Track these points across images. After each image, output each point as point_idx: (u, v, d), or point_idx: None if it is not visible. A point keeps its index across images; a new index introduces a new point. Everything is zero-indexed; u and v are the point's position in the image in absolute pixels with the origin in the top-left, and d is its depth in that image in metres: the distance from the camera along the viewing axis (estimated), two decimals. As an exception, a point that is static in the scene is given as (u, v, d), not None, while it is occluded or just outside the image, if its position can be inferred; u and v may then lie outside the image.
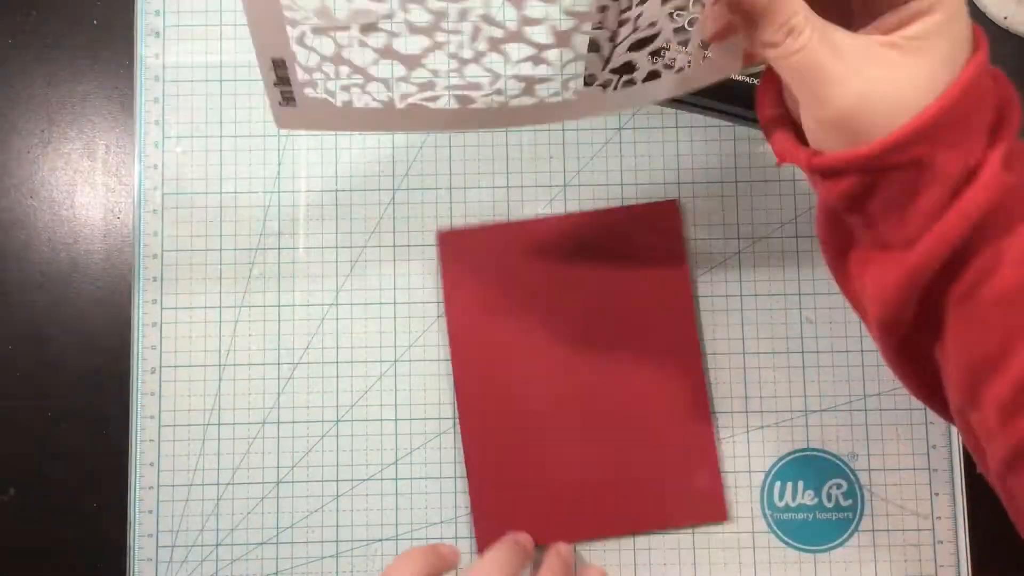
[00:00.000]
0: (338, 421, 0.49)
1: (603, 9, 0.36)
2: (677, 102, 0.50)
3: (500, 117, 0.39)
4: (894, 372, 0.37)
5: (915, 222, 0.33)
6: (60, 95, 0.51)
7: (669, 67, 0.39)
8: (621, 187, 0.50)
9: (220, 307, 0.50)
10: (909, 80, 0.32)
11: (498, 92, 0.38)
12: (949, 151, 0.32)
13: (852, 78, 0.32)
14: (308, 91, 0.36)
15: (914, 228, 0.33)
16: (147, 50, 0.51)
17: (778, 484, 0.49)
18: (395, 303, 0.50)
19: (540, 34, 0.36)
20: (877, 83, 0.32)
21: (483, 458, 0.48)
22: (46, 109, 0.51)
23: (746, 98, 0.45)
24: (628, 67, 0.39)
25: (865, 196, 0.33)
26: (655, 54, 0.38)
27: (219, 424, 0.49)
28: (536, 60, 0.37)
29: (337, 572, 0.48)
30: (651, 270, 0.49)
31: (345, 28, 0.35)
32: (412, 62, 0.37)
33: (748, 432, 0.49)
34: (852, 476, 0.49)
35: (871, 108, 0.32)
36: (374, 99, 0.37)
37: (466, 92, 0.38)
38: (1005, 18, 0.51)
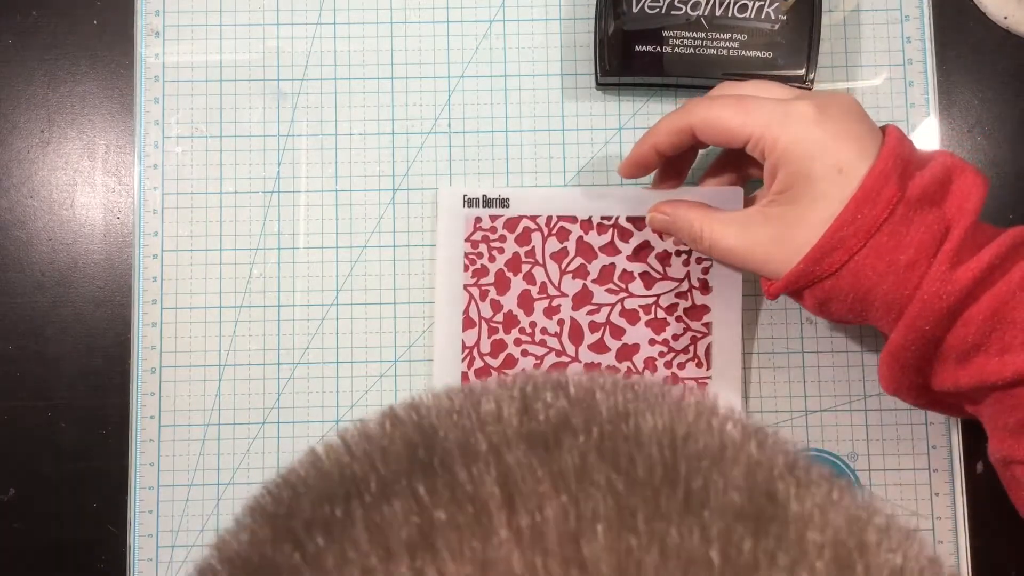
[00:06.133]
0: (338, 421, 0.49)
1: None
2: (676, 89, 0.50)
3: None
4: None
5: (880, 315, 0.40)
6: (60, 95, 0.51)
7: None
8: (621, 186, 0.50)
9: (220, 307, 0.50)
10: (794, 223, 0.40)
11: None
12: (872, 256, 0.38)
13: (756, 246, 0.41)
14: None
15: (884, 321, 0.40)
16: (147, 50, 0.51)
17: (778, 484, 0.49)
18: (395, 303, 0.50)
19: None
20: (768, 240, 0.41)
21: None
22: (46, 109, 0.51)
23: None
24: None
25: (824, 304, 0.41)
26: None
27: (219, 424, 0.49)
28: None
29: (337, 572, 0.48)
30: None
31: None
32: None
33: (748, 432, 0.49)
34: (852, 476, 0.49)
35: (780, 254, 0.40)
36: None
37: None
38: (1005, 18, 0.51)
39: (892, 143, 0.40)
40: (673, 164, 0.47)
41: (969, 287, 0.37)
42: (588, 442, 0.17)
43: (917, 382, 0.41)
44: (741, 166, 0.47)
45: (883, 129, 0.41)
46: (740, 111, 0.41)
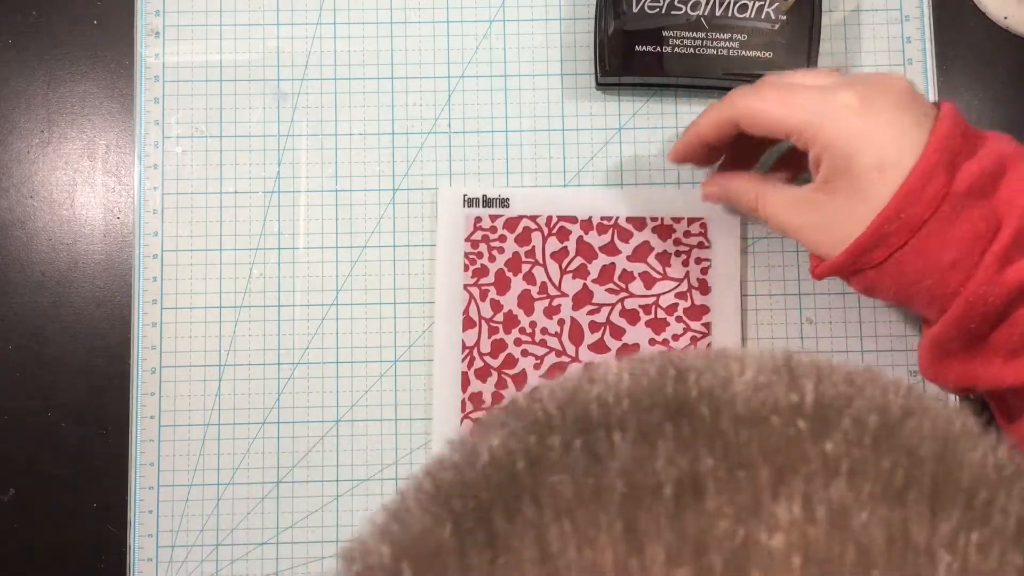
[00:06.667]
0: (338, 421, 0.49)
1: None
2: (689, 86, 0.50)
3: None
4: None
5: (923, 306, 0.40)
6: (60, 95, 0.51)
7: None
8: (621, 187, 0.50)
9: (220, 307, 0.50)
10: (836, 215, 0.40)
11: None
12: (913, 254, 0.38)
13: (805, 227, 0.41)
14: None
15: (928, 311, 0.40)
16: (147, 50, 0.51)
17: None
18: (395, 303, 0.50)
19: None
20: (815, 226, 0.41)
21: None
22: (46, 109, 0.51)
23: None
24: None
25: (869, 290, 0.40)
26: None
27: (219, 424, 0.49)
28: None
29: (337, 572, 0.48)
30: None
31: None
32: None
33: (748, 432, 0.49)
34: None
35: (826, 240, 0.40)
36: None
37: None
38: (1005, 18, 0.51)
39: (942, 131, 0.38)
40: (741, 153, 0.46)
41: (1020, 287, 0.36)
42: (861, 433, 0.17)
43: (958, 370, 0.40)
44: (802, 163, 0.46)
45: (938, 107, 0.39)
46: (782, 103, 0.40)
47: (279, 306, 0.50)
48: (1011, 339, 0.38)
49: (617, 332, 0.48)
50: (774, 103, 0.40)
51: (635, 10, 0.48)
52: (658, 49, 0.48)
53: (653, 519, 0.15)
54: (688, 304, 0.48)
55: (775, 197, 0.42)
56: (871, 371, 0.19)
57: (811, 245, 0.41)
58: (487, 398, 0.48)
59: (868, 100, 0.38)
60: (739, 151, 0.46)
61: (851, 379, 0.19)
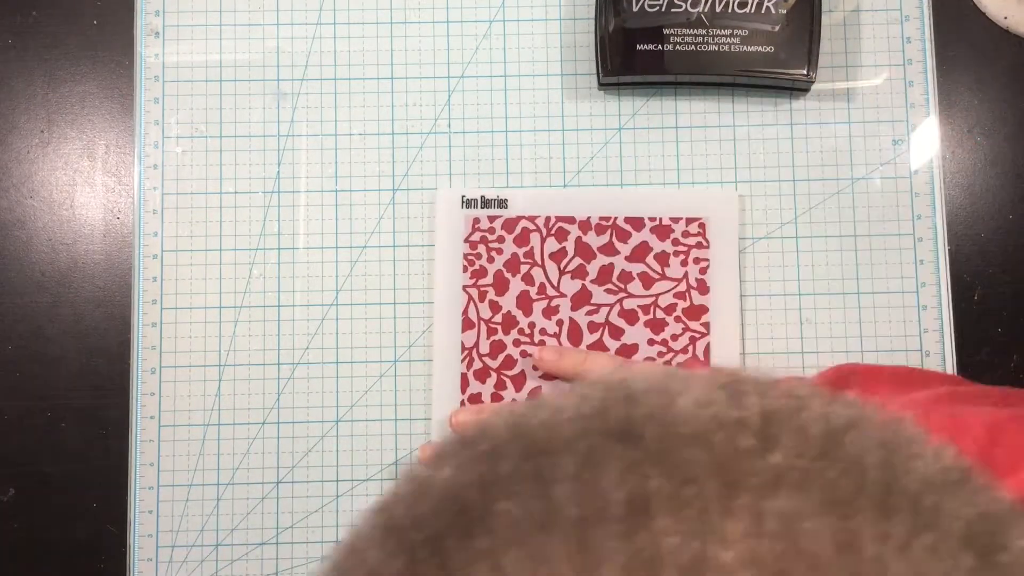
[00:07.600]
0: (338, 421, 0.49)
1: None
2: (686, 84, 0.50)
3: None
4: None
5: None
6: (60, 95, 0.51)
7: None
8: (621, 187, 0.50)
9: (220, 307, 0.50)
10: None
11: None
12: None
13: None
14: None
15: None
16: (147, 50, 0.51)
17: (778, 484, 0.49)
18: (395, 303, 0.50)
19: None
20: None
21: None
22: (46, 109, 0.51)
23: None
24: None
25: None
26: None
27: (219, 424, 0.49)
28: None
29: None
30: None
31: None
32: None
33: (748, 432, 0.49)
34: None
35: None
36: None
37: None
38: (1005, 18, 0.51)
39: None
40: None
41: None
42: (806, 445, 0.17)
43: None
44: None
45: None
46: None
47: (279, 306, 0.50)
48: None
49: (616, 332, 0.48)
50: None
51: (635, 8, 0.48)
52: (659, 47, 0.48)
53: (605, 540, 0.15)
54: (687, 304, 0.48)
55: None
56: (815, 386, 0.20)
57: None
58: (486, 399, 0.48)
59: None
60: None
61: (794, 392, 0.19)
